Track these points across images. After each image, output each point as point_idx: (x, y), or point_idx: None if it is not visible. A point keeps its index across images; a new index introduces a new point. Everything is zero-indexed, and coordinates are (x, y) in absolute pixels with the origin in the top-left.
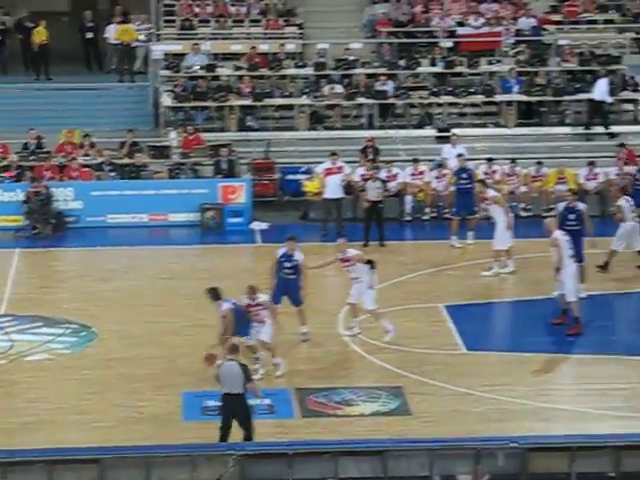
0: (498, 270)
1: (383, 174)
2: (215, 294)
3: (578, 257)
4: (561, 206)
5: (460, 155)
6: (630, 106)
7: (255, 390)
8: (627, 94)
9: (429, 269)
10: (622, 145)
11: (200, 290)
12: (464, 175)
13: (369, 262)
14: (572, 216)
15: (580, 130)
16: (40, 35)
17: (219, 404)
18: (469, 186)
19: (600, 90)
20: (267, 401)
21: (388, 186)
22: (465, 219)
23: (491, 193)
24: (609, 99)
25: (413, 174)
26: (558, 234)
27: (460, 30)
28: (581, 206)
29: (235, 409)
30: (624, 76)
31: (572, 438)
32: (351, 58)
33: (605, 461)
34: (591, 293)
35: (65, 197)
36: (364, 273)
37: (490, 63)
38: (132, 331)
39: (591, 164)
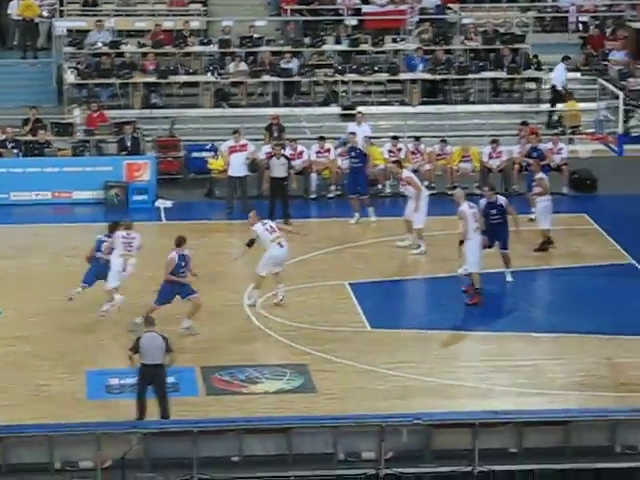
0: (412, 241)
1: (288, 152)
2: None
3: (503, 245)
4: (482, 202)
5: (352, 134)
6: (533, 85)
7: (173, 361)
8: (530, 72)
9: (334, 247)
10: (525, 123)
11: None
12: (353, 154)
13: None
14: (494, 211)
15: (484, 107)
16: None
17: (123, 382)
18: (359, 165)
19: (559, 76)
20: (171, 379)
21: (293, 164)
22: (359, 198)
23: (406, 173)
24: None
25: (319, 152)
26: (465, 206)
27: (365, 8)
28: (502, 200)
29: (153, 380)
30: (527, 55)
31: (475, 415)
32: (256, 36)
33: (507, 437)
34: (494, 270)
35: None
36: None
37: (395, 41)
38: (36, 309)
39: (494, 142)
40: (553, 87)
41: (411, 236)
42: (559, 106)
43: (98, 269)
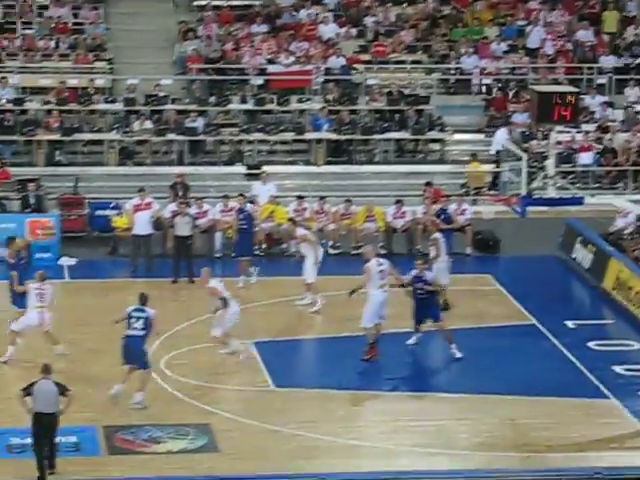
0: (311, 299)
1: (194, 210)
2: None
3: (435, 318)
4: (412, 273)
5: (241, 196)
6: (437, 146)
7: (67, 404)
8: (434, 134)
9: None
10: (429, 184)
11: (3, 328)
12: (241, 216)
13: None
14: (420, 284)
15: (388, 168)
16: None
17: (24, 442)
18: (245, 227)
19: (498, 141)
20: (73, 438)
21: (198, 222)
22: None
23: (300, 231)
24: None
25: (223, 210)
26: (372, 263)
27: (270, 68)
28: (428, 275)
29: (47, 428)
30: (431, 116)
31: (379, 475)
32: (161, 94)
33: None
34: (398, 330)
35: None
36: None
37: (300, 101)
38: None
39: (399, 202)
40: (497, 151)
41: (309, 294)
42: (462, 167)
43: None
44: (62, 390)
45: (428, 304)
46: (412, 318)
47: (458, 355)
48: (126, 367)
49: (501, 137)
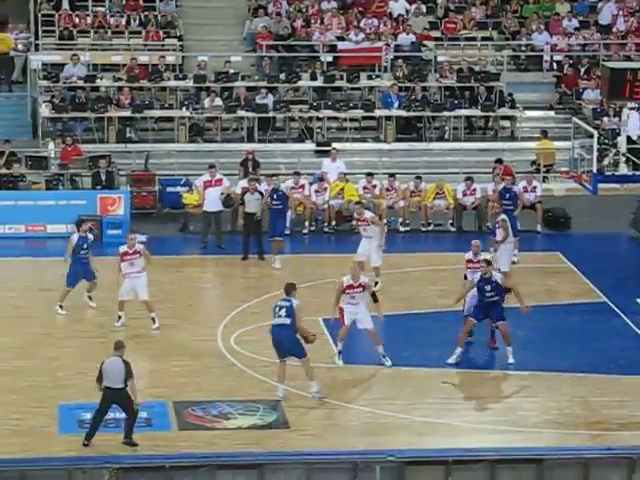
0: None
1: (264, 187)
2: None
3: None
4: (476, 277)
5: (274, 177)
6: (507, 123)
7: (133, 388)
8: (505, 111)
9: (308, 282)
10: (499, 161)
11: (78, 302)
12: (275, 196)
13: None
14: (488, 287)
15: (458, 145)
16: None
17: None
18: (280, 207)
19: (634, 125)
20: (144, 414)
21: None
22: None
23: (367, 214)
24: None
25: (293, 187)
26: None
27: (340, 45)
28: (497, 277)
29: (117, 402)
30: (501, 93)
31: (448, 452)
32: (231, 71)
33: (480, 474)
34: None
35: None
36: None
37: (370, 78)
38: (9, 343)
39: (469, 180)
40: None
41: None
42: (533, 145)
43: (81, 268)
44: (127, 375)
45: (495, 305)
46: (470, 317)
47: (511, 360)
48: (279, 362)
49: (634, 122)
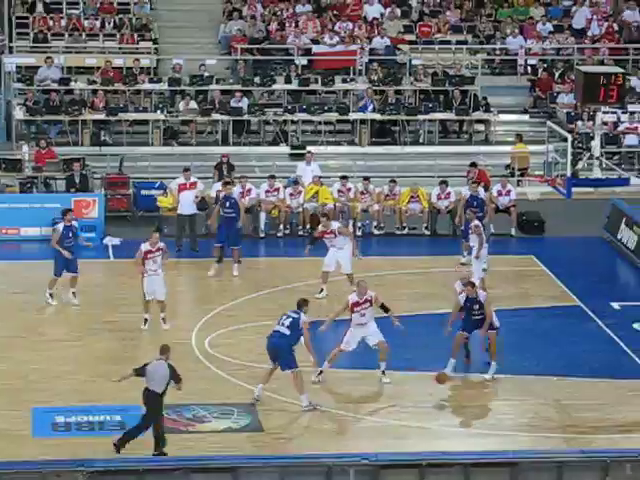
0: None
1: (238, 190)
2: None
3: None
4: (461, 298)
5: (227, 184)
6: (482, 126)
7: (180, 387)
8: (479, 114)
9: (283, 286)
10: (474, 164)
11: (52, 304)
12: (227, 203)
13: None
14: (476, 307)
15: (433, 149)
16: None
17: (69, 420)
18: (232, 215)
19: None
20: (118, 417)
21: (242, 201)
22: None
23: (334, 225)
24: None
25: (268, 190)
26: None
27: (315, 48)
28: (482, 296)
29: (149, 404)
30: (476, 96)
31: (422, 455)
32: (206, 74)
33: (455, 478)
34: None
35: None
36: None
37: (345, 81)
38: None
39: (443, 183)
40: None
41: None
42: (507, 148)
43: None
44: (175, 378)
45: (482, 322)
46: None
47: (488, 376)
48: (269, 365)
49: None
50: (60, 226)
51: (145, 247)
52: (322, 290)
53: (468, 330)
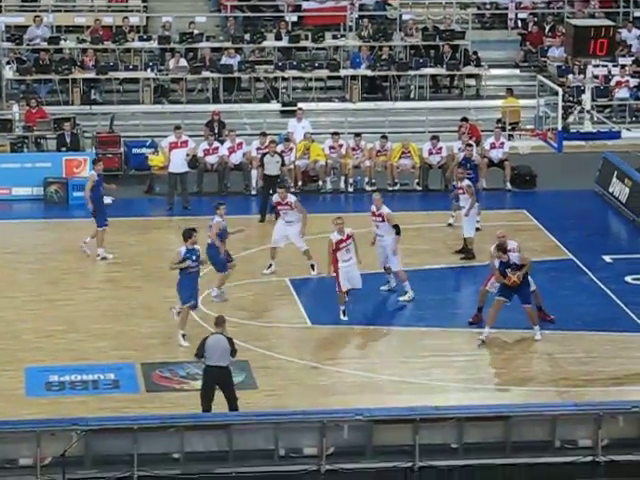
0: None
1: (227, 144)
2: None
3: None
4: (496, 263)
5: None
6: (473, 81)
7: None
8: (470, 69)
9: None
10: (465, 119)
11: (45, 265)
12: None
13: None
14: (510, 270)
15: (424, 104)
16: None
17: (62, 379)
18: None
19: None
20: (111, 376)
21: (233, 157)
22: None
23: (291, 198)
24: None
25: (260, 148)
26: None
27: (305, 4)
28: (514, 257)
29: (220, 381)
30: (466, 51)
31: (416, 410)
32: (196, 32)
33: (448, 432)
34: (433, 266)
35: None
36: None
37: (335, 38)
38: None
39: (434, 138)
40: None
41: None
42: (498, 103)
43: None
44: (232, 349)
45: (519, 288)
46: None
47: (538, 337)
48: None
49: None
50: (94, 173)
51: (275, 199)
52: (270, 266)
53: (506, 295)
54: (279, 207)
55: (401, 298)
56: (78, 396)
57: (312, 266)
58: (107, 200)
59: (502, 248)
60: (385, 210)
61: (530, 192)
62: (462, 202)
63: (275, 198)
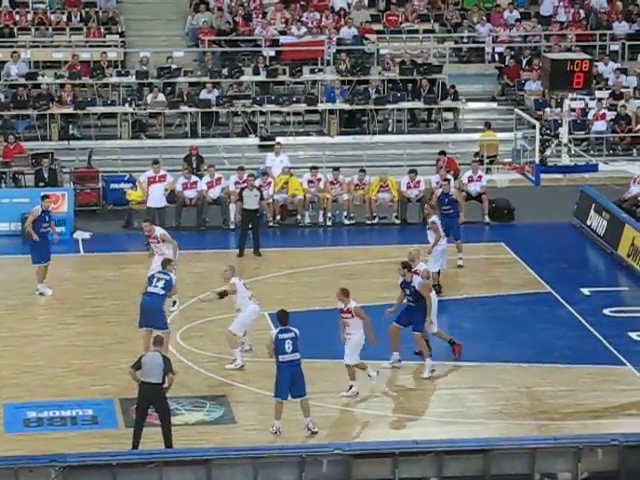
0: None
1: (206, 179)
2: None
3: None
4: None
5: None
6: (450, 115)
7: (171, 382)
8: (448, 103)
9: (253, 277)
10: (443, 153)
11: (23, 301)
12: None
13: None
14: (407, 291)
15: (402, 138)
16: None
17: (41, 416)
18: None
19: None
20: (90, 412)
21: (211, 192)
22: None
23: (158, 231)
24: None
25: (238, 182)
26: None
27: (283, 39)
28: (416, 281)
29: (153, 399)
30: (444, 85)
31: (395, 444)
32: (173, 66)
33: (427, 466)
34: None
35: None
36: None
37: (312, 72)
38: None
39: (412, 172)
40: None
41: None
42: (476, 136)
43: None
44: (167, 369)
45: (415, 312)
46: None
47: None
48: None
49: None
50: (38, 208)
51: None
52: (175, 303)
53: (401, 322)
54: (150, 240)
55: (344, 393)
56: (57, 432)
57: (173, 303)
58: (85, 235)
59: (407, 265)
60: (352, 304)
61: (508, 225)
62: (429, 237)
63: (145, 231)
